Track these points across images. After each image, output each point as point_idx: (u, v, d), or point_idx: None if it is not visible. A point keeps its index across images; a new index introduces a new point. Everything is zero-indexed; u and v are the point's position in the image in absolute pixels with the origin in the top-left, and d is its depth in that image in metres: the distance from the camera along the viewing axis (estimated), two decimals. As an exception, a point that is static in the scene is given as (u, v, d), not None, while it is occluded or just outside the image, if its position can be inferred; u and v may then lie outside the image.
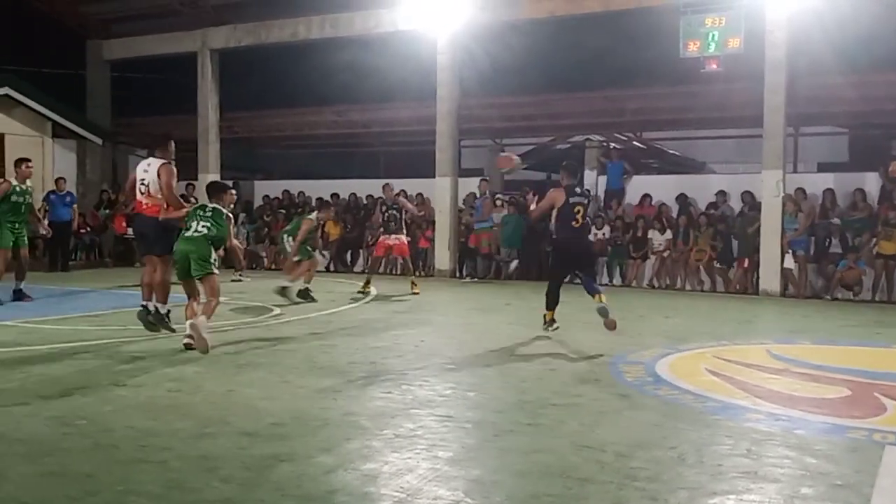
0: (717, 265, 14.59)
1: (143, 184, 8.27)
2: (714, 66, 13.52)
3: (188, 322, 7.55)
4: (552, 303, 8.70)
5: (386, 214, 13.16)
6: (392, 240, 13.09)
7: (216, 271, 7.91)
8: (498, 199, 16.95)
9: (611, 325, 8.25)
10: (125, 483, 3.96)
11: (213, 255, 7.92)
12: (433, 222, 16.81)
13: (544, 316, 8.75)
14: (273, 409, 5.43)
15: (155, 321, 8.32)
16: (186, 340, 7.52)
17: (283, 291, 11.70)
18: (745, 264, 14.10)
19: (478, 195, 16.46)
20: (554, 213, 8.62)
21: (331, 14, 17.26)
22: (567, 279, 9.15)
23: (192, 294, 7.99)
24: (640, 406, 5.74)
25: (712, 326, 10.01)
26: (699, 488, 4.01)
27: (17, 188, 11.17)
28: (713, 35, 13.32)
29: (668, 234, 15.04)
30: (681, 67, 14.23)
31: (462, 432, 5.02)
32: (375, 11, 16.75)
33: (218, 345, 7.75)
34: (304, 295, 11.80)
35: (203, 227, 7.90)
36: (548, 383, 6.43)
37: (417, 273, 15.13)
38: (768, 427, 5.17)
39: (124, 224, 18.38)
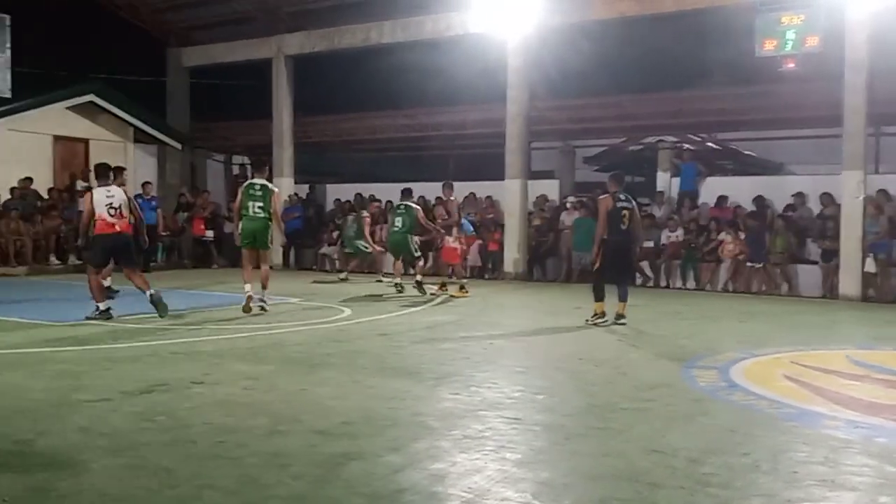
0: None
1: (112, 208, 9.53)
2: (791, 66, 13.19)
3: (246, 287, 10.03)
4: (600, 295, 9.59)
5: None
6: (448, 243, 13.45)
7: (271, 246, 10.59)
8: (569, 202, 16.82)
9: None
10: (201, 477, 4.08)
11: (271, 231, 10.21)
12: (502, 225, 16.76)
13: (594, 309, 9.58)
14: (343, 408, 5.51)
15: (99, 316, 9.48)
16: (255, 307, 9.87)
17: (419, 287, 12.71)
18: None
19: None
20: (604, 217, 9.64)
21: (402, 18, 17.44)
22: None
23: (249, 261, 10.23)
24: (713, 411, 5.63)
25: (789, 331, 9.76)
26: (774, 496, 3.92)
27: None
28: (790, 33, 12.99)
29: (742, 237, 14.68)
30: (754, 66, 13.91)
31: (531, 434, 5.02)
32: (446, 14, 16.85)
33: (291, 345, 8.03)
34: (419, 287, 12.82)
35: (259, 208, 10.06)
36: (618, 387, 6.37)
37: (488, 276, 15.14)
38: (847, 434, 5.02)
39: (202, 227, 18.92)
